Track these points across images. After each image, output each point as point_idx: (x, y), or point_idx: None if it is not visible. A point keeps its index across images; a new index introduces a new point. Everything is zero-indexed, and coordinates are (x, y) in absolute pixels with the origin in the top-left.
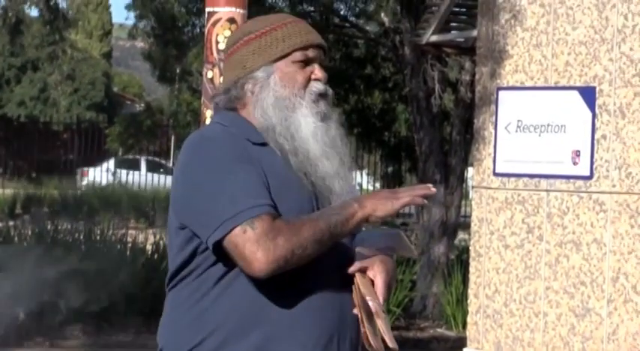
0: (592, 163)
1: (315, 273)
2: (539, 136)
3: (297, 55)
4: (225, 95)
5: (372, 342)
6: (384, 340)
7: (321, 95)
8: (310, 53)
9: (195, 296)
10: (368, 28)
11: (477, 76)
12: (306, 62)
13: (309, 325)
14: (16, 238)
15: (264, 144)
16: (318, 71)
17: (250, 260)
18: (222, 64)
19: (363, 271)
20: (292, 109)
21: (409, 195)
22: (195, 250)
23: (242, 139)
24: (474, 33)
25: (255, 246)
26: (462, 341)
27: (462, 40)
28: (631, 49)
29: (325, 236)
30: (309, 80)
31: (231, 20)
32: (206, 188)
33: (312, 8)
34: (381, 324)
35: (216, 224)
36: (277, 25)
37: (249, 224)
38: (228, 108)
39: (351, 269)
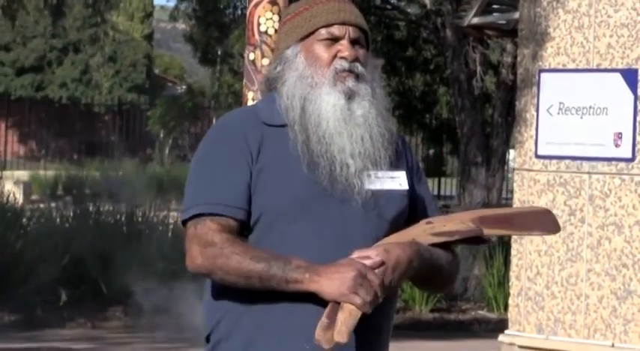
0: (634, 145)
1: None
2: (581, 118)
3: (322, 33)
4: (266, 77)
5: (316, 332)
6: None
7: (347, 72)
8: (336, 31)
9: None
10: (409, 10)
11: (518, 58)
12: (334, 40)
13: (302, 316)
14: (57, 220)
15: (284, 125)
16: (344, 49)
17: (186, 254)
18: (263, 46)
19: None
20: (314, 86)
21: (367, 295)
22: None
23: (257, 123)
24: (516, 15)
25: (189, 245)
26: (503, 323)
27: (504, 22)
28: None
29: (255, 279)
30: (334, 58)
31: (273, 2)
32: (190, 175)
33: None
34: (341, 316)
35: (183, 209)
36: (309, 6)
37: (193, 222)
38: (268, 89)
39: (348, 258)
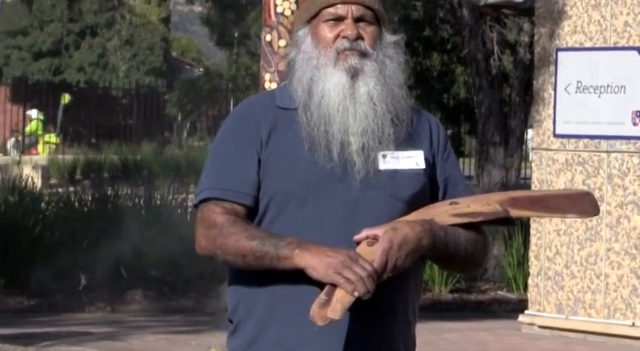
0: None
1: (327, 243)
2: (599, 97)
3: (325, 14)
4: (287, 61)
5: (311, 309)
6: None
7: (349, 50)
8: (340, 10)
9: None
10: None
11: (535, 37)
12: (339, 19)
13: (311, 299)
14: (76, 204)
15: (296, 108)
16: (347, 28)
17: (194, 238)
18: (280, 27)
19: (376, 239)
20: (319, 67)
21: (354, 277)
22: None
23: (272, 107)
24: None
25: (197, 228)
26: (523, 303)
27: (521, 1)
28: None
29: (249, 257)
30: (338, 38)
31: None
32: (206, 161)
33: None
34: (338, 294)
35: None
36: None
37: (200, 207)
38: (288, 72)
39: (356, 237)
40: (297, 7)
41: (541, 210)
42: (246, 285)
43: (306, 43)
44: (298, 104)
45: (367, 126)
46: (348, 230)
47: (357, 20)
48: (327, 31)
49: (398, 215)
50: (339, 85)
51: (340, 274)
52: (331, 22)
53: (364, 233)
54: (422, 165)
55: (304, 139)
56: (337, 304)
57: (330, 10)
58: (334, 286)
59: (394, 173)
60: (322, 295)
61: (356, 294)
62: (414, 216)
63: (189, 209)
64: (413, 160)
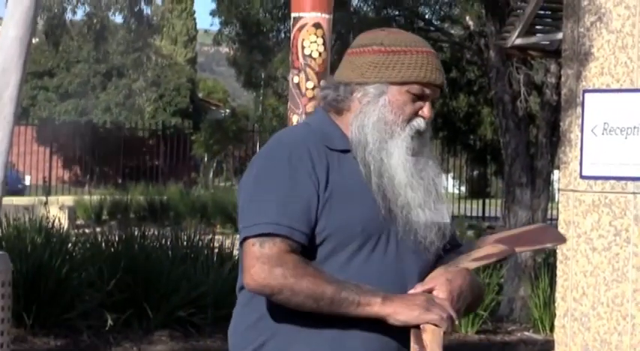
0: None
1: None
2: (626, 138)
3: (415, 88)
4: (333, 92)
5: None
6: None
7: (419, 133)
8: (427, 90)
9: (257, 297)
10: (453, 31)
11: (562, 79)
12: (419, 97)
13: (352, 341)
14: (103, 245)
15: (344, 151)
16: (427, 110)
17: (245, 272)
18: (307, 69)
19: (429, 291)
20: (390, 135)
21: (442, 313)
22: None
23: (319, 144)
24: (559, 36)
25: (254, 262)
26: (549, 344)
27: (547, 42)
28: None
29: (324, 302)
30: (415, 115)
31: (317, 25)
32: (252, 190)
33: (396, 12)
34: (427, 338)
35: (241, 226)
36: (410, 49)
37: (259, 240)
38: (328, 106)
39: (411, 291)
40: (325, 48)
41: (526, 245)
42: (281, 324)
43: (380, 102)
44: (366, 163)
45: (429, 201)
46: (394, 282)
47: (432, 102)
48: (409, 105)
49: (430, 267)
50: (407, 161)
51: (431, 312)
52: (414, 96)
53: (419, 288)
54: (447, 219)
55: (366, 188)
56: (433, 345)
57: (423, 87)
58: (418, 332)
59: (431, 227)
60: (414, 345)
61: (443, 329)
62: (444, 267)
63: (216, 250)
64: (440, 213)
